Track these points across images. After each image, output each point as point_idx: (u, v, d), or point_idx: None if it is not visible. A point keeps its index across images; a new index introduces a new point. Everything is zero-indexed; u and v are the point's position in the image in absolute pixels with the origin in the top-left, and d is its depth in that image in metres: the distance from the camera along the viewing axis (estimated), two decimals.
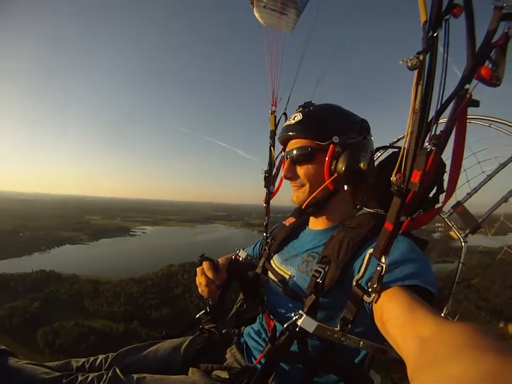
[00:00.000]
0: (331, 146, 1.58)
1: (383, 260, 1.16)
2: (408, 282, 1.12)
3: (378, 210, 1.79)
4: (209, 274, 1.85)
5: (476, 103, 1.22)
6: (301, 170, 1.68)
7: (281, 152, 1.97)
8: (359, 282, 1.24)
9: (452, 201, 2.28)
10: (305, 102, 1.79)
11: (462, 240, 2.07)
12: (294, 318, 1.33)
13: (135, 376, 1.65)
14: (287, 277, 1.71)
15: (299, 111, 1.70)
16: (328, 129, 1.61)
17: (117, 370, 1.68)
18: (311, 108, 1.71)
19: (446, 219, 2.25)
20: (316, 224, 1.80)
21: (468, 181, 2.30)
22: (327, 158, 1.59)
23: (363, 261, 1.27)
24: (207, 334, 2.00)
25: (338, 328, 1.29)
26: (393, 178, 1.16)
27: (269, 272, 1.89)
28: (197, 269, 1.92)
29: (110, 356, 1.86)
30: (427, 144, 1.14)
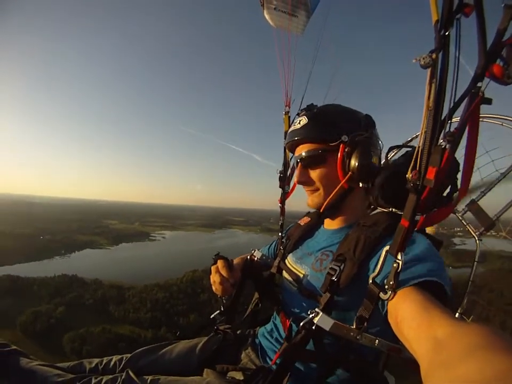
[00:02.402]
0: (341, 145, 1.61)
1: (399, 256, 1.19)
2: (425, 278, 1.14)
3: (393, 209, 1.80)
4: (224, 273, 1.90)
5: (488, 101, 1.23)
6: (313, 173, 1.70)
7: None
8: (375, 279, 1.27)
9: (466, 200, 2.35)
10: (308, 105, 1.81)
11: (476, 238, 2.07)
12: (310, 316, 1.35)
13: (149, 378, 1.67)
14: (301, 275, 1.75)
15: (303, 115, 1.72)
16: (336, 129, 1.64)
17: (130, 372, 1.70)
18: (315, 110, 1.72)
19: (460, 217, 2.29)
20: (331, 223, 1.84)
21: (482, 178, 2.33)
22: (338, 158, 1.62)
23: (379, 258, 1.29)
24: (222, 334, 2.04)
25: (354, 327, 1.31)
26: (408, 175, 1.20)
27: (283, 271, 1.94)
28: (212, 267, 1.97)
29: (124, 358, 1.91)
30: (441, 141, 1.15)
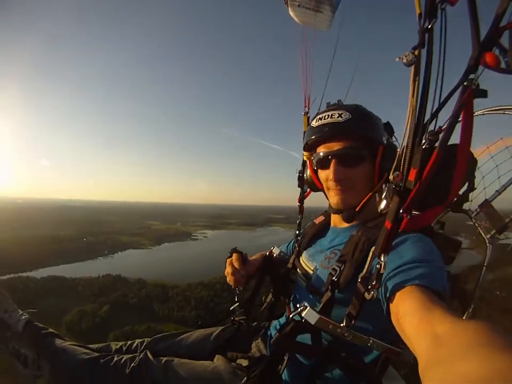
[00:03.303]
0: (380, 147, 1.66)
1: (382, 258, 1.25)
2: (419, 282, 1.17)
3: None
4: (236, 264, 2.06)
5: (483, 93, 1.20)
6: (351, 172, 1.69)
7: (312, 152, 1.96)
8: (364, 279, 1.33)
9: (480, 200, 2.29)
10: (338, 101, 1.85)
11: (487, 242, 2.02)
12: (299, 310, 1.44)
13: (164, 359, 1.92)
14: (310, 272, 1.86)
15: (342, 109, 1.70)
16: (377, 130, 1.70)
17: (148, 353, 1.97)
18: (355, 107, 1.72)
19: (472, 218, 2.22)
20: (341, 221, 1.88)
21: (499, 177, 2.26)
22: (378, 159, 1.66)
23: (367, 258, 1.38)
24: (237, 325, 2.24)
25: (344, 324, 1.37)
26: (391, 176, 1.26)
27: (297, 268, 2.02)
28: (227, 260, 2.13)
29: (146, 341, 2.22)
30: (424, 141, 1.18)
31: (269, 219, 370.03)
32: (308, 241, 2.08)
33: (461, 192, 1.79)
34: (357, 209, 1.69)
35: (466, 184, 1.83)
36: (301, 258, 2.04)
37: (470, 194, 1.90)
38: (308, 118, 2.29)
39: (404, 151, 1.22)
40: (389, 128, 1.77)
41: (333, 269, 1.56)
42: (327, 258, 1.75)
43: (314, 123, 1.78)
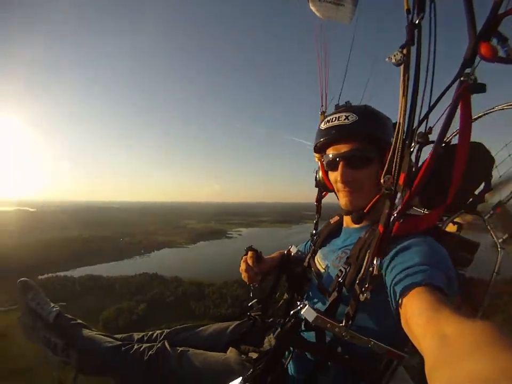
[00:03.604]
0: (388, 147, 1.57)
1: (374, 261, 1.34)
2: (425, 283, 1.19)
3: (425, 210, 1.95)
4: (249, 262, 2.19)
5: (480, 88, 1.16)
6: (359, 173, 1.72)
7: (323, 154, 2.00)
8: (361, 281, 1.41)
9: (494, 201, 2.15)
10: (346, 102, 1.89)
11: (499, 246, 1.94)
12: (299, 307, 1.54)
13: (180, 349, 2.13)
14: (322, 271, 1.92)
15: (349, 111, 1.73)
16: (386, 131, 1.71)
17: (166, 343, 2.19)
18: (364, 109, 1.76)
19: (486, 221, 2.07)
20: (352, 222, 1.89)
21: (500, 176, 2.13)
22: (387, 160, 1.56)
23: (365, 261, 1.46)
24: (253, 320, 2.35)
25: (343, 324, 1.43)
26: (382, 180, 1.31)
27: (312, 267, 2.09)
28: (242, 257, 2.26)
29: (165, 331, 2.44)
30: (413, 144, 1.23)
31: (303, 216, 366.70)
32: (323, 241, 2.14)
33: (477, 192, 1.81)
34: (365, 211, 1.71)
35: (483, 184, 1.83)
36: (316, 257, 2.09)
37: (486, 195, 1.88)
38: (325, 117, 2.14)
39: (393, 154, 1.26)
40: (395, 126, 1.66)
41: (340, 270, 1.62)
42: (338, 257, 1.81)
43: (322, 125, 1.83)
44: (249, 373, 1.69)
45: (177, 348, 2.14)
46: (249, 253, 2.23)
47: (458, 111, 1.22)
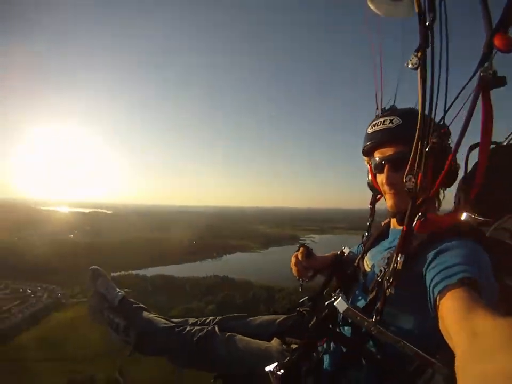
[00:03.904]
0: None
1: (398, 258, 1.44)
2: (461, 283, 1.22)
3: (476, 215, 1.97)
4: (299, 256, 2.36)
5: (500, 82, 1.17)
6: (403, 176, 1.67)
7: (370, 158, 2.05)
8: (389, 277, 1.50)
9: None
10: (391, 106, 1.94)
11: None
12: (333, 298, 1.66)
13: (228, 334, 2.30)
14: (368, 271, 1.98)
15: (394, 114, 1.79)
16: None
17: (216, 327, 2.36)
18: (407, 111, 1.80)
19: (505, 223, 1.98)
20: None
21: None
22: (409, 161, 1.63)
23: (388, 259, 1.60)
24: (301, 315, 2.40)
25: (373, 319, 1.50)
26: (404, 179, 1.41)
27: (360, 267, 2.14)
28: (294, 253, 2.43)
29: (218, 318, 2.62)
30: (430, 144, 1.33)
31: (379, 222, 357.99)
32: (372, 242, 2.16)
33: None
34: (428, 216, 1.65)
35: None
36: (365, 258, 2.10)
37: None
38: None
39: (413, 154, 1.36)
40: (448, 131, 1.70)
41: (380, 270, 1.67)
42: (383, 258, 1.82)
43: (369, 129, 1.89)
44: (285, 360, 1.79)
45: (226, 332, 2.31)
46: (301, 249, 2.39)
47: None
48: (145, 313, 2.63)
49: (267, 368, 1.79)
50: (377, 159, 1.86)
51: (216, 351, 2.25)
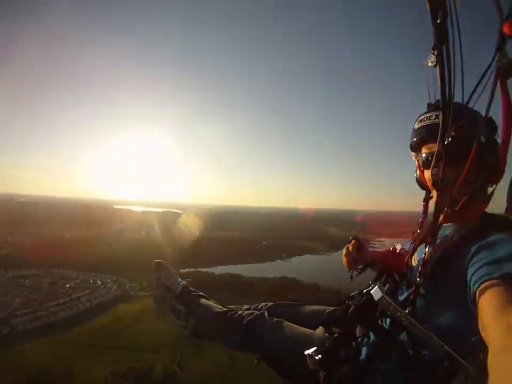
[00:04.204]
0: (477, 146, 1.64)
1: (426, 249, 1.59)
2: (501, 278, 1.23)
3: None
4: (350, 248, 2.41)
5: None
6: (449, 172, 1.75)
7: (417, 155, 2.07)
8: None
9: None
10: (437, 100, 1.85)
11: None
12: (370, 287, 1.77)
13: (276, 319, 2.43)
14: (414, 266, 2.00)
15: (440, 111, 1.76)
16: (475, 128, 1.68)
17: (265, 312, 2.51)
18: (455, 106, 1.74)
19: None
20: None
21: None
22: (476, 158, 1.68)
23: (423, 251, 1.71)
24: (349, 307, 2.36)
25: (406, 310, 1.58)
26: (431, 173, 1.51)
27: (409, 263, 2.15)
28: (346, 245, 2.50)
29: (269, 304, 2.80)
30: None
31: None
32: (421, 238, 2.10)
33: None
34: (456, 208, 1.72)
35: None
36: (414, 253, 2.10)
37: None
38: None
39: (438, 149, 1.43)
40: (491, 125, 1.72)
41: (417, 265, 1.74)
42: (431, 253, 1.80)
43: (416, 125, 1.91)
44: (326, 345, 1.90)
45: (274, 318, 2.44)
46: (352, 241, 2.43)
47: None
48: (203, 300, 2.87)
49: (306, 352, 1.91)
50: (424, 154, 1.87)
51: (263, 335, 2.40)
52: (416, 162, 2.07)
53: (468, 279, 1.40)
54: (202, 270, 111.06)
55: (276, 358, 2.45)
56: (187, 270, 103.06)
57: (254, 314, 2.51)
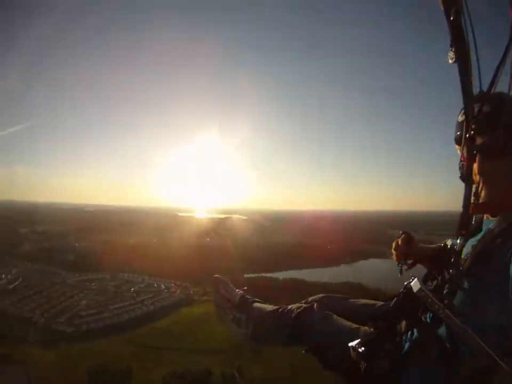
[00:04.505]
0: None
1: (457, 240, 1.70)
2: None
3: None
4: (399, 242, 2.45)
5: None
6: (494, 165, 1.78)
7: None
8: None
9: None
10: (479, 91, 1.79)
11: None
12: (411, 280, 1.85)
13: (326, 312, 2.58)
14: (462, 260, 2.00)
15: (485, 102, 1.73)
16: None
17: (315, 304, 2.70)
18: (497, 98, 1.73)
19: None
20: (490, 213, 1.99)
21: None
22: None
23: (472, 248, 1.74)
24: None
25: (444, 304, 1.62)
26: (458, 166, 1.56)
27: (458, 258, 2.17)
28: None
29: (321, 296, 3.03)
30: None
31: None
32: (470, 234, 2.11)
33: None
34: (499, 202, 1.74)
35: None
36: (463, 248, 2.07)
37: None
38: None
39: (463, 142, 1.48)
40: None
41: (464, 259, 1.77)
42: (473, 247, 1.84)
43: (459, 118, 1.91)
44: (367, 339, 1.97)
45: (323, 311, 2.59)
46: (402, 235, 2.47)
47: None
48: (257, 304, 3.14)
49: (350, 344, 1.99)
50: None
51: (311, 326, 2.54)
52: (461, 156, 1.94)
53: (510, 272, 1.38)
54: (266, 275, 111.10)
55: (323, 349, 2.52)
56: (250, 275, 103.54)
57: (303, 307, 2.70)
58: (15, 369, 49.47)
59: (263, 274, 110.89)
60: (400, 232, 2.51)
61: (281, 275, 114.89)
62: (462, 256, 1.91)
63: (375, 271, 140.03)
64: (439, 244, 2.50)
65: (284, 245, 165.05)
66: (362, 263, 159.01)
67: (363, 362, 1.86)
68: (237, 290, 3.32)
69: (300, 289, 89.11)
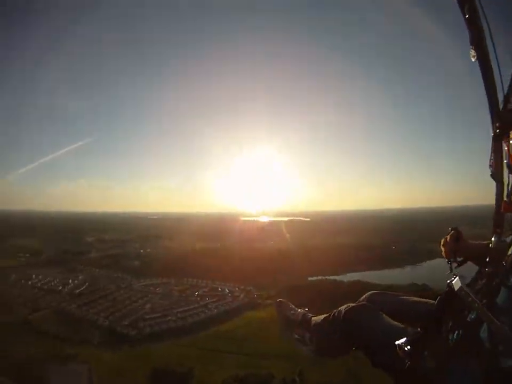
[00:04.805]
0: None
1: (492, 237, 1.69)
2: None
3: None
4: (448, 238, 2.48)
5: None
6: None
7: None
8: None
9: None
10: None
11: None
12: (453, 278, 1.88)
13: (374, 310, 2.61)
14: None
15: None
16: None
17: (364, 303, 2.81)
18: None
19: None
20: None
21: None
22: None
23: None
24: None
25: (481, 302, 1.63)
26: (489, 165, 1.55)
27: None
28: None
29: (372, 292, 3.15)
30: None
31: None
32: None
33: None
34: None
35: None
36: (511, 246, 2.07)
37: None
38: None
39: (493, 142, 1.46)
40: None
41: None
42: (493, 243, 1.92)
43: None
44: (412, 335, 2.00)
45: (373, 309, 2.63)
46: (451, 232, 2.48)
47: None
48: (316, 318, 3.19)
49: (396, 342, 2.02)
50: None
51: (359, 324, 2.58)
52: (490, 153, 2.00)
53: None
54: (330, 278, 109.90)
55: (371, 347, 2.55)
56: (315, 278, 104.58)
57: (350, 306, 2.72)
58: (81, 369, 51.97)
59: (328, 277, 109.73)
60: (450, 228, 2.53)
61: (345, 277, 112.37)
62: (509, 253, 1.93)
63: (441, 272, 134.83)
64: (488, 242, 2.42)
65: (347, 247, 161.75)
66: (428, 264, 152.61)
67: (407, 361, 1.91)
68: (299, 310, 3.43)
69: (364, 293, 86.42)
